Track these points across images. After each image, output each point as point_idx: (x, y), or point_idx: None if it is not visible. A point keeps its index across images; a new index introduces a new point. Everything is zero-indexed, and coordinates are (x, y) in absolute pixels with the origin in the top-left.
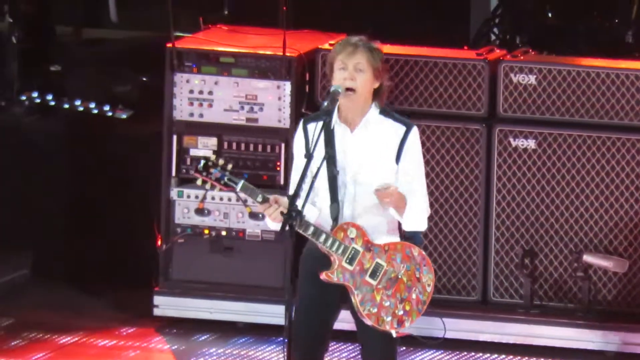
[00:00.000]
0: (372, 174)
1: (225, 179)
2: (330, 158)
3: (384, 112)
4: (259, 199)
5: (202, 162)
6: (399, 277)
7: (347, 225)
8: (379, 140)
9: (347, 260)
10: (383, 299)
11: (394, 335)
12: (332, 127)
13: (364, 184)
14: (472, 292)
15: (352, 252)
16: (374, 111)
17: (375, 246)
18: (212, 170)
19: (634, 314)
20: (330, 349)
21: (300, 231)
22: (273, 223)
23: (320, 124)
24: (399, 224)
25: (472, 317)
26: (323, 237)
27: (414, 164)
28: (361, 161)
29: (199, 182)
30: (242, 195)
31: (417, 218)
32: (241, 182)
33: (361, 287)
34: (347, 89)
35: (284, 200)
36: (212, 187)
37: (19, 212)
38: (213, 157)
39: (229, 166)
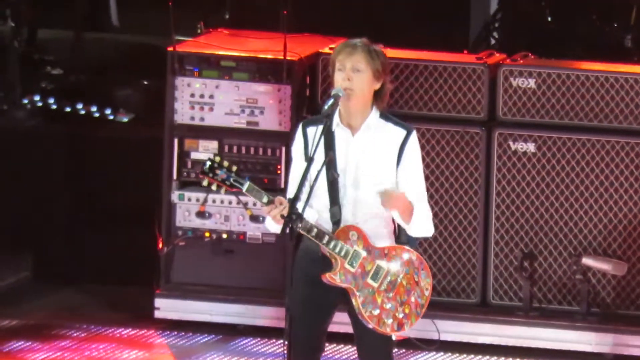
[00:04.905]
0: (373, 177)
1: (231, 180)
2: (330, 161)
3: (383, 116)
4: (265, 200)
5: (208, 163)
6: (399, 280)
7: (348, 228)
8: (379, 144)
9: (350, 263)
10: (384, 301)
11: (394, 338)
12: (332, 130)
13: (364, 188)
14: (471, 295)
15: (354, 254)
16: (374, 115)
17: (376, 249)
18: (217, 171)
19: (632, 317)
20: (328, 351)
21: (304, 233)
22: (274, 225)
23: (321, 127)
24: (395, 229)
25: (471, 319)
26: (326, 238)
27: (414, 168)
28: (362, 165)
29: (204, 183)
30: (247, 195)
31: (424, 224)
32: (247, 184)
33: (363, 289)
34: (345, 89)
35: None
36: (218, 188)
37: (20, 215)
38: (217, 158)
39: (234, 167)
